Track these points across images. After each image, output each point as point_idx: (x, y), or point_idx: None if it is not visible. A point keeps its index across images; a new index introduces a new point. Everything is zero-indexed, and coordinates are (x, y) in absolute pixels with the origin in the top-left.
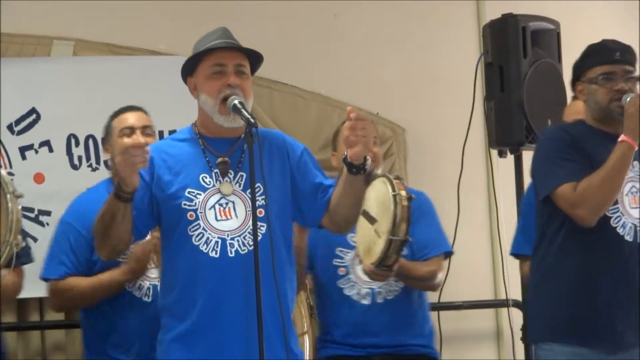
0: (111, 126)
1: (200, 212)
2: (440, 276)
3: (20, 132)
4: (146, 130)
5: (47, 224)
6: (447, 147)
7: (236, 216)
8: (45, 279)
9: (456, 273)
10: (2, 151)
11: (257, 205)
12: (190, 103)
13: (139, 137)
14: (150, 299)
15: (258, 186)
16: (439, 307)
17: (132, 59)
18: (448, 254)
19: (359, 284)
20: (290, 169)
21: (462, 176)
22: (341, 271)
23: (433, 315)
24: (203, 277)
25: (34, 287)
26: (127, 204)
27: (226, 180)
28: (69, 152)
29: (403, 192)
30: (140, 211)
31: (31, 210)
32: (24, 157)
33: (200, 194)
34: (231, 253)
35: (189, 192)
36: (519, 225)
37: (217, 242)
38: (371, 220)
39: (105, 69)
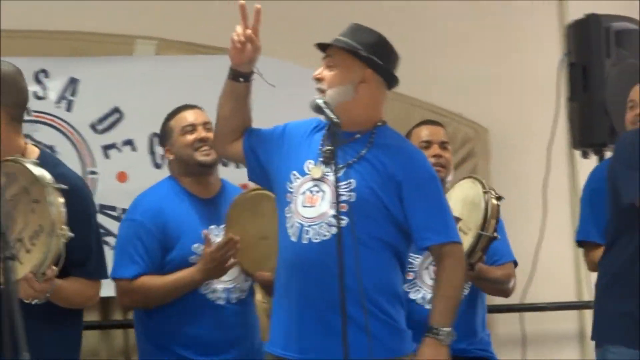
0: (169, 126)
1: (295, 196)
2: (513, 282)
3: (103, 131)
4: (207, 125)
5: None
6: (530, 147)
7: (320, 205)
8: (116, 278)
9: (540, 274)
10: (86, 150)
11: (342, 199)
12: (272, 101)
13: (201, 133)
14: (223, 302)
15: (350, 182)
16: (522, 308)
17: (215, 58)
18: (515, 264)
19: (425, 289)
20: (398, 186)
21: (547, 178)
22: (409, 275)
23: (515, 316)
24: (283, 259)
25: None
26: (238, 83)
27: (317, 165)
28: (152, 151)
29: (493, 192)
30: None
31: (114, 209)
32: (107, 156)
33: (299, 178)
34: (305, 240)
35: (293, 174)
36: (585, 212)
37: (297, 227)
38: (455, 220)
39: (187, 68)
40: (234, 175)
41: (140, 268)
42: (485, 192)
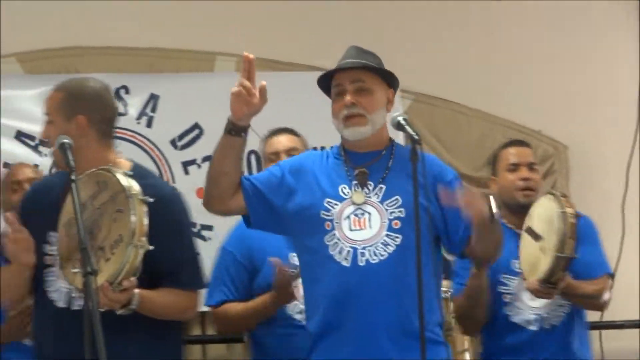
0: (263, 150)
1: (337, 222)
2: (607, 295)
3: (183, 147)
4: (291, 152)
5: (209, 238)
6: (610, 164)
7: (370, 227)
8: (207, 306)
9: (619, 292)
10: (165, 165)
11: (393, 216)
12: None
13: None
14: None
15: (396, 198)
16: (601, 326)
17: (293, 74)
18: (611, 276)
19: (526, 311)
20: (434, 192)
21: (626, 195)
22: (506, 298)
23: (595, 334)
24: (329, 288)
25: None
26: (238, 138)
27: (358, 190)
28: None
29: (570, 210)
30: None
31: (193, 225)
32: (186, 172)
33: (337, 204)
34: (361, 262)
35: (327, 202)
36: None
37: (348, 251)
38: (536, 237)
39: (267, 84)
40: None
41: (224, 295)
42: (562, 212)
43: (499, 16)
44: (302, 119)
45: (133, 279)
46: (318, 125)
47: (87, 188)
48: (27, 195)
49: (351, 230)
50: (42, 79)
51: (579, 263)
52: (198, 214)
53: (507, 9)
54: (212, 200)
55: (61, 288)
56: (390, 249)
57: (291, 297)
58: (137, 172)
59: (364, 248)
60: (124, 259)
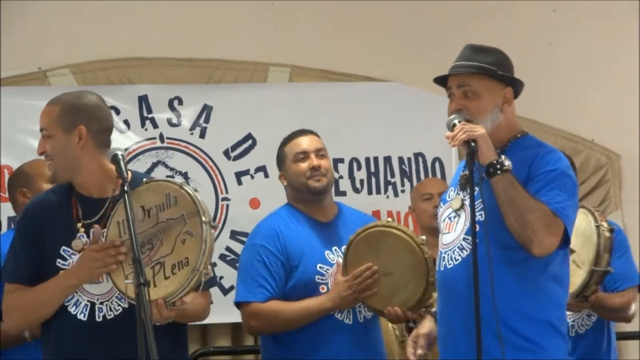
0: (284, 152)
1: (440, 225)
2: (634, 308)
3: (236, 158)
4: (320, 152)
5: None
6: None
7: (455, 230)
8: (241, 303)
9: None
10: (219, 176)
11: (475, 219)
12: (408, 128)
13: (313, 161)
14: (351, 322)
15: (480, 201)
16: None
17: (347, 85)
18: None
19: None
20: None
21: None
22: None
23: (634, 344)
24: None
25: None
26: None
27: (459, 195)
28: None
29: (605, 224)
30: None
31: (246, 235)
32: (239, 182)
33: (441, 207)
34: (442, 267)
35: (440, 206)
36: None
37: (439, 255)
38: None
39: (320, 95)
40: (361, 203)
41: (269, 292)
42: (597, 226)
43: (553, 27)
44: (355, 129)
45: (186, 300)
46: (371, 135)
47: (153, 196)
48: (32, 211)
49: (443, 233)
50: (95, 90)
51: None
52: (252, 224)
53: (561, 20)
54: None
55: (80, 300)
56: (464, 253)
57: (358, 300)
58: (136, 180)
59: (445, 252)
60: (185, 283)
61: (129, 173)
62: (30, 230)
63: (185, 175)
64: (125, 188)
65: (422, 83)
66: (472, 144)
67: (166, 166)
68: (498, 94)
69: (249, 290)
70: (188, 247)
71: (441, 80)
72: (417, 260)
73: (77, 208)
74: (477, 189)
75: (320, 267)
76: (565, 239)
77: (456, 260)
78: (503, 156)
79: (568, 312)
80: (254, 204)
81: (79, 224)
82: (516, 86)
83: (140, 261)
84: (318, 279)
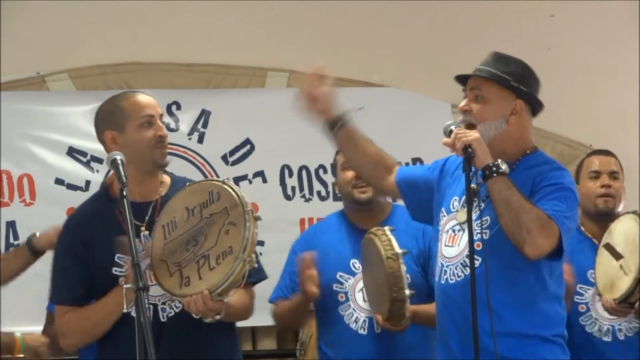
0: (335, 160)
1: (441, 235)
2: None
3: (234, 163)
4: None
5: (261, 254)
6: None
7: (458, 245)
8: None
9: None
10: None
11: (477, 237)
12: (407, 133)
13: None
14: (365, 332)
15: (486, 218)
16: None
17: (345, 90)
18: None
19: (601, 321)
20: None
21: None
22: (581, 308)
23: None
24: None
25: None
26: (340, 130)
27: (462, 207)
28: (283, 183)
29: None
30: None
31: None
32: None
33: (445, 216)
34: (443, 280)
35: (441, 212)
36: None
37: (439, 267)
38: (616, 255)
39: None
40: None
41: (280, 292)
42: None
43: (552, 32)
44: None
45: (232, 291)
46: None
47: (196, 196)
48: (77, 225)
49: (445, 245)
50: (94, 95)
51: None
52: None
53: (559, 25)
54: (369, 181)
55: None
56: (467, 271)
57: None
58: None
59: (447, 266)
60: (229, 271)
61: (169, 177)
62: (77, 248)
63: None
64: (125, 193)
65: (421, 88)
66: (469, 149)
67: (164, 171)
68: (507, 103)
69: (274, 290)
70: (231, 237)
71: (462, 83)
72: (385, 274)
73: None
74: (483, 204)
75: (340, 276)
76: (559, 249)
77: (458, 276)
78: (500, 160)
79: (612, 317)
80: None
81: (142, 227)
82: (533, 103)
83: (138, 265)
84: (336, 287)
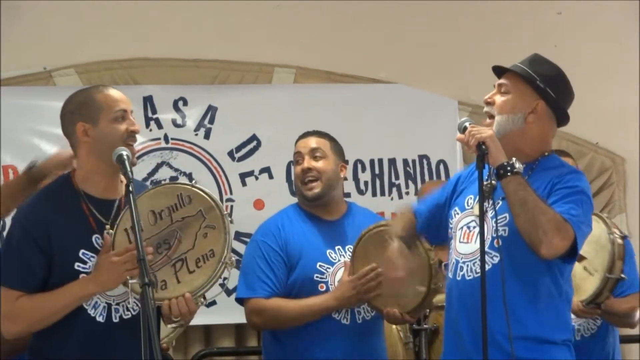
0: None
1: (454, 232)
2: (639, 313)
3: (240, 159)
4: (314, 153)
5: None
6: None
7: (474, 241)
8: (243, 298)
9: None
10: (223, 177)
11: (497, 234)
12: (413, 130)
13: (304, 163)
14: (348, 322)
15: (504, 216)
16: None
17: (352, 86)
18: None
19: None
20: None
21: None
22: None
23: (635, 347)
24: (446, 293)
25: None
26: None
27: (476, 202)
28: (289, 179)
29: (617, 231)
30: None
31: (250, 236)
32: (244, 184)
33: (458, 214)
34: (459, 277)
35: (454, 211)
36: None
37: (453, 263)
38: (579, 257)
39: (325, 96)
40: (365, 205)
41: (270, 288)
42: (610, 233)
43: (558, 29)
44: (360, 131)
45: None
46: (377, 137)
47: (163, 199)
48: (42, 212)
49: (460, 242)
50: None
51: None
52: (256, 225)
53: (566, 22)
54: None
55: (98, 303)
56: (486, 266)
57: (362, 301)
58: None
59: (463, 262)
60: (212, 274)
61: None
62: (39, 237)
63: (189, 176)
64: (131, 188)
65: (428, 85)
66: (483, 146)
67: (170, 167)
68: (528, 101)
69: (250, 286)
70: (211, 240)
71: (498, 76)
72: (425, 266)
73: (90, 209)
74: (500, 202)
75: (320, 266)
76: (573, 251)
77: (476, 272)
78: (514, 158)
79: (574, 317)
80: (258, 205)
81: (107, 225)
82: (556, 109)
83: (144, 260)
84: (317, 277)
